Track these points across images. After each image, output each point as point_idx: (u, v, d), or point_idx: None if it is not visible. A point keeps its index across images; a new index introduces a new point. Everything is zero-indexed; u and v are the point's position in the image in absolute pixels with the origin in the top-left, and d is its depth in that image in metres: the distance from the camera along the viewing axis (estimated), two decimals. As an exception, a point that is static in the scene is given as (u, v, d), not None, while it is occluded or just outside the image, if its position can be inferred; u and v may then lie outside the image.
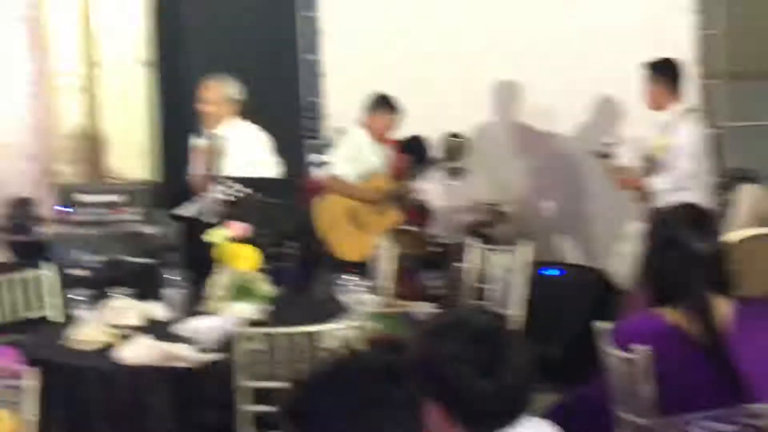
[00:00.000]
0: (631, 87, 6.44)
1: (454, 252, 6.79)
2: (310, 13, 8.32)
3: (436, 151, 7.35)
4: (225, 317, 4.78)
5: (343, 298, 5.01)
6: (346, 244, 6.85)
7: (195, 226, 6.52)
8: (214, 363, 4.42)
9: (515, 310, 5.56)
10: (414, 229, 7.13)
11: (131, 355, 4.45)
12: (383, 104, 7.00)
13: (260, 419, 4.33)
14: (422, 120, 7.24)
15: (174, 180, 7.70)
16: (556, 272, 6.80)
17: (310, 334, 4.34)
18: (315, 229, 6.92)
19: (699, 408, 3.55)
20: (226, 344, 4.47)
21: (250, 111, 6.75)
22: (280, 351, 4.34)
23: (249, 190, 5.96)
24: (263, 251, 5.26)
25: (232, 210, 5.97)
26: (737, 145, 7.09)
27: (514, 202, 7.58)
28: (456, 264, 6.46)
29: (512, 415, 2.37)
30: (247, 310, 4.88)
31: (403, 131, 7.18)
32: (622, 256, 6.46)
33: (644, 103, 6.32)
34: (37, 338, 4.99)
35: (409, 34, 7.79)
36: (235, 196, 6.06)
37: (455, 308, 5.73)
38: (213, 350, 4.49)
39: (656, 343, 3.60)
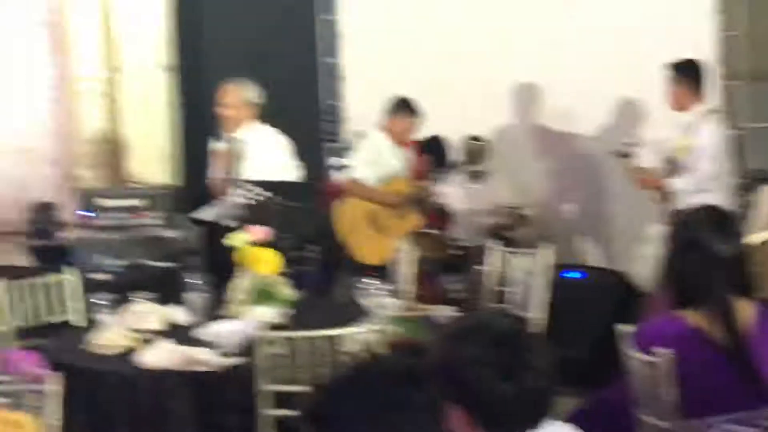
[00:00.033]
0: (652, 88, 6.41)
1: (475, 255, 6.78)
2: (330, 16, 8.32)
3: (456, 154, 7.35)
4: (246, 321, 4.79)
5: (364, 301, 5.01)
6: (366, 248, 6.85)
7: (216, 230, 6.53)
8: (236, 367, 4.43)
9: (536, 313, 5.55)
10: (434, 232, 7.12)
11: (153, 360, 4.47)
12: (403, 107, 7.00)
13: (281, 423, 4.33)
14: (442, 123, 7.23)
15: (195, 184, 7.71)
16: (577, 275, 6.78)
17: (331, 337, 4.34)
18: (335, 232, 6.92)
19: (721, 411, 3.54)
20: (248, 348, 4.48)
21: (269, 114, 6.76)
22: (301, 355, 4.34)
23: (269, 194, 5.97)
24: (284, 255, 5.26)
25: (253, 214, 5.98)
26: (759, 146, 7.05)
27: (535, 204, 7.56)
28: (477, 267, 6.46)
29: (534, 418, 2.36)
30: (268, 314, 4.89)
31: (423, 134, 7.18)
32: (644, 258, 6.44)
33: (666, 104, 6.30)
34: (59, 343, 5.00)
35: (429, 37, 7.78)
36: (256, 200, 6.07)
37: (476, 312, 5.72)
38: (234, 354, 4.50)
39: (678, 345, 3.59)
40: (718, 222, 3.78)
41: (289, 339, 4.37)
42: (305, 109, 8.26)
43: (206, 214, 6.89)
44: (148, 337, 4.78)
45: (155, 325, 4.96)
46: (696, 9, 6.92)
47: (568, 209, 7.74)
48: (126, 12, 8.36)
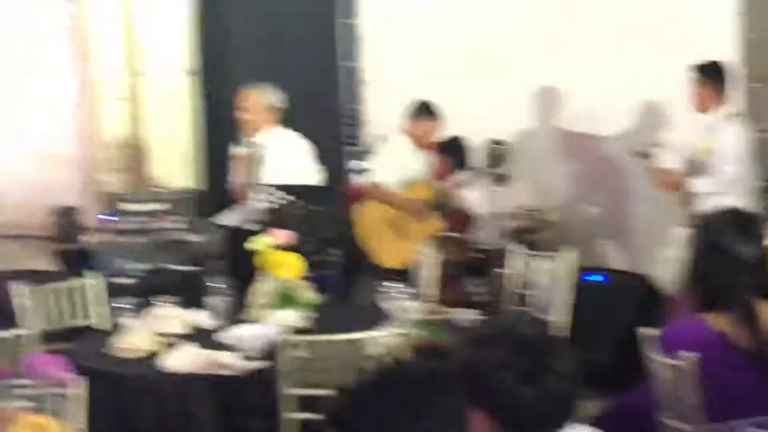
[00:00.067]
0: (676, 90, 6.38)
1: (497, 258, 6.77)
2: (350, 20, 8.33)
3: (478, 157, 7.34)
4: (269, 325, 4.80)
5: (386, 305, 5.01)
6: (387, 251, 6.85)
7: (238, 234, 6.54)
8: (259, 371, 4.43)
9: (559, 317, 5.54)
10: (457, 235, 7.12)
11: (176, 363, 4.48)
12: (424, 111, 7.00)
13: (305, 426, 4.34)
14: (463, 126, 7.23)
15: (217, 188, 7.73)
16: (600, 278, 6.75)
17: (354, 341, 4.35)
18: (357, 236, 6.92)
19: (744, 414, 3.52)
20: (270, 352, 4.49)
21: (291, 118, 6.77)
22: (324, 359, 4.34)
23: (291, 198, 5.98)
24: (306, 258, 5.27)
25: (274, 217, 5.99)
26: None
27: (557, 207, 7.55)
28: (499, 270, 6.45)
29: (557, 422, 2.36)
30: (290, 317, 4.90)
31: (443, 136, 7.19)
32: (667, 260, 6.41)
33: (689, 106, 6.27)
34: (83, 347, 5.02)
35: (449, 40, 7.78)
36: (277, 204, 6.08)
37: (499, 316, 5.72)
38: (257, 358, 4.51)
39: (701, 349, 3.57)
40: (742, 225, 3.76)
41: (312, 343, 4.38)
42: (326, 113, 8.27)
43: (228, 219, 6.91)
44: (172, 340, 4.79)
45: (178, 328, 4.97)
46: (720, 11, 6.89)
47: (591, 212, 7.72)
48: (148, 17, 8.39)
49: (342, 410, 2.10)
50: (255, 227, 6.33)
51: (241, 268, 5.59)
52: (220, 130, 8.13)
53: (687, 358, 3.58)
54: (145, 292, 5.45)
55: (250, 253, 5.24)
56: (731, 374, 3.59)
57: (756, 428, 3.51)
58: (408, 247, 6.63)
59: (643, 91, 7.13)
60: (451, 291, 6.59)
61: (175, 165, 8.45)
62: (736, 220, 3.80)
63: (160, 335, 4.84)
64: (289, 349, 4.36)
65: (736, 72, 6.43)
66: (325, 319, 4.96)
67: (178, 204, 7.12)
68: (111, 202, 7.20)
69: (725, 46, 6.74)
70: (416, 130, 7.01)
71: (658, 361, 3.74)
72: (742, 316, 3.58)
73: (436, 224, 6.94)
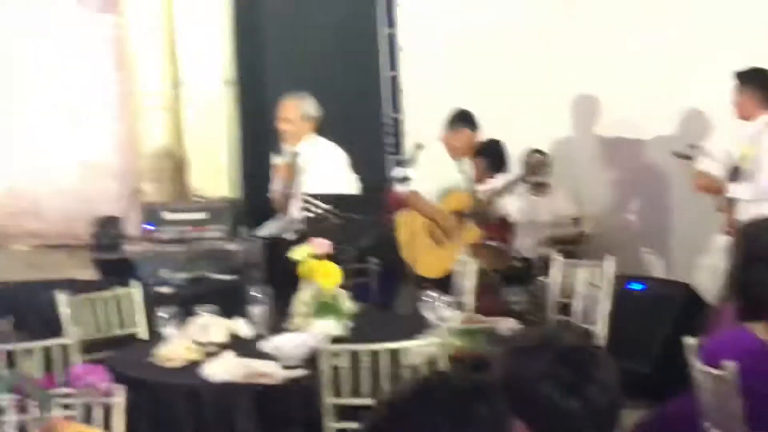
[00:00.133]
0: (718, 97, 6.33)
1: (537, 267, 6.75)
2: (390, 29, 8.35)
3: (517, 166, 7.32)
4: (309, 334, 4.80)
5: (426, 314, 5.00)
6: (426, 260, 6.84)
7: (277, 243, 6.57)
8: (298, 380, 4.44)
9: (600, 326, 5.50)
10: (496, 244, 7.10)
11: (217, 372, 4.49)
12: (463, 120, 7.00)
13: (345, 436, 4.34)
14: (502, 135, 7.22)
15: (256, 197, 7.77)
16: (641, 286, 6.71)
17: (394, 350, 4.34)
18: (396, 244, 6.92)
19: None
20: (310, 361, 4.49)
21: (332, 128, 6.79)
22: (364, 368, 4.34)
23: (329, 207, 5.99)
24: (345, 268, 5.27)
25: (313, 227, 6.00)
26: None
27: (597, 215, 7.51)
28: (539, 279, 6.43)
29: (600, 433, 2.34)
30: (329, 326, 4.90)
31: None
32: (708, 269, 6.36)
33: (732, 114, 6.22)
34: (124, 356, 5.05)
35: (488, 50, 7.77)
36: (316, 213, 6.09)
37: (541, 326, 5.69)
38: (297, 367, 4.52)
39: (744, 358, 3.55)
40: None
41: (353, 352, 4.38)
42: (367, 122, 8.30)
43: (268, 230, 6.94)
44: (212, 349, 4.81)
45: (219, 337, 4.98)
46: (762, 17, 6.83)
47: (631, 220, 7.68)
48: (188, 28, 8.44)
49: (383, 421, 2.09)
50: (294, 236, 6.36)
51: (280, 277, 5.60)
52: (258, 139, 8.17)
53: (730, 368, 3.55)
54: (185, 302, 5.46)
55: (290, 263, 5.25)
56: (774, 384, 3.56)
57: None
58: (447, 256, 6.62)
59: (685, 97, 7.09)
60: (490, 300, 6.57)
61: (214, 174, 8.49)
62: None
63: (200, 344, 4.86)
64: (330, 358, 4.36)
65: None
66: (364, 328, 4.96)
67: (218, 213, 7.15)
68: (151, 211, 7.25)
69: None
70: (454, 139, 7.00)
71: (702, 370, 3.72)
72: (785, 325, 3.55)
73: (475, 233, 6.93)
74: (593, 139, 7.70)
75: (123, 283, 5.88)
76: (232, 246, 7.01)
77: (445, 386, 2.10)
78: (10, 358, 4.78)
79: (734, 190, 6.06)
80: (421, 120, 7.83)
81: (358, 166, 6.72)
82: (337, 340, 4.70)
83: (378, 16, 8.36)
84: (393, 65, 8.38)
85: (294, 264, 5.19)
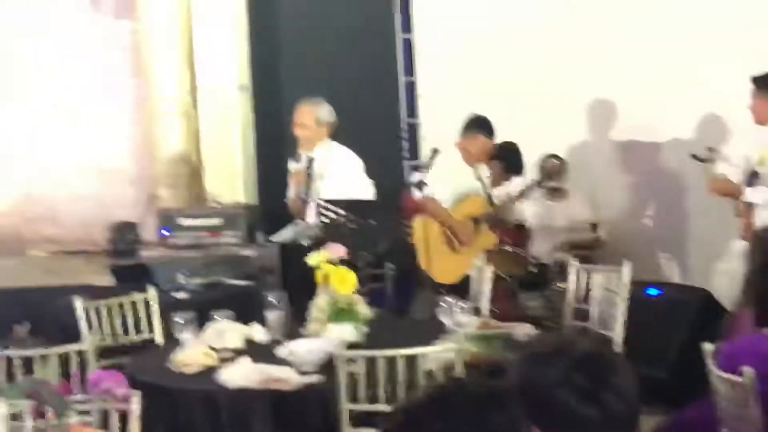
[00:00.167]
0: (736, 102, 6.30)
1: (553, 272, 6.73)
2: (407, 35, 8.35)
3: (534, 171, 7.31)
4: (325, 340, 4.80)
5: (442, 319, 4.99)
6: (442, 265, 6.83)
7: (293, 249, 6.58)
8: (315, 386, 4.43)
9: (617, 331, 5.48)
10: (512, 249, 7.08)
11: (233, 378, 4.49)
12: (478, 126, 6.99)
13: (361, 442, 4.34)
14: (518, 140, 7.20)
15: (271, 203, 7.78)
16: (658, 291, 6.68)
17: (410, 356, 4.33)
18: (412, 250, 6.92)
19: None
20: (326, 367, 4.49)
21: (348, 133, 6.79)
22: (381, 374, 4.33)
23: (346, 212, 5.99)
24: (361, 273, 5.27)
25: (329, 232, 6.00)
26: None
27: (614, 220, 7.49)
28: (555, 284, 6.40)
29: (618, 439, 2.33)
30: (345, 332, 4.89)
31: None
32: (726, 274, 6.34)
33: (750, 117, 6.20)
34: (140, 361, 5.06)
35: (505, 55, 7.76)
36: (331, 219, 6.10)
37: (558, 331, 5.67)
38: (313, 373, 4.51)
39: (763, 364, 3.53)
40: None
41: (369, 358, 4.37)
42: (384, 127, 8.30)
43: (284, 235, 6.95)
44: (228, 355, 4.81)
45: (235, 343, 4.99)
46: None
47: (648, 225, 7.65)
48: (204, 33, 8.45)
49: (398, 427, 2.09)
50: (310, 242, 6.37)
51: (297, 283, 5.60)
52: (274, 145, 8.18)
53: (748, 374, 3.53)
54: (201, 307, 5.46)
55: (306, 268, 5.25)
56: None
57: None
58: (463, 261, 6.60)
59: (703, 102, 7.06)
60: (506, 305, 6.56)
61: (230, 180, 8.51)
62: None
63: (216, 350, 4.86)
64: (346, 363, 4.36)
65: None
66: (380, 334, 4.95)
67: (234, 219, 7.16)
68: (167, 217, 7.26)
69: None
70: (469, 144, 7.00)
71: (719, 376, 3.70)
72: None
73: (491, 238, 6.92)
74: (610, 144, 7.69)
75: (139, 289, 5.89)
76: (248, 251, 7.02)
77: (461, 393, 2.09)
78: (27, 364, 4.80)
79: (751, 194, 6.04)
80: (438, 125, 7.83)
81: (374, 171, 6.73)
82: (353, 345, 4.69)
83: (395, 21, 8.35)
84: (410, 70, 8.38)
85: (310, 269, 5.19)
